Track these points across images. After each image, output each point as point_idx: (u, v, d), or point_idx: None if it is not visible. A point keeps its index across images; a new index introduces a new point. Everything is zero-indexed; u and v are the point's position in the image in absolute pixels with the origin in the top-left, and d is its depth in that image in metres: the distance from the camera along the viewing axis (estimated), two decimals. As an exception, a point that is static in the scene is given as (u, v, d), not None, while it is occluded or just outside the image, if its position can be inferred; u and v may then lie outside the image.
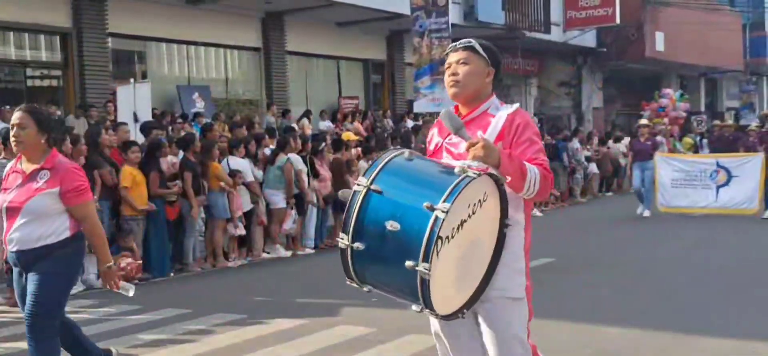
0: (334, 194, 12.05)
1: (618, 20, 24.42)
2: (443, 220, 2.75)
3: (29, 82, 14.96)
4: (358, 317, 7.03)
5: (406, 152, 3.04)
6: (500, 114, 3.22)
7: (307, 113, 16.98)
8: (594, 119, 27.68)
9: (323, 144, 12.34)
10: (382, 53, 21.28)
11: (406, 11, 17.57)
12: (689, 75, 33.87)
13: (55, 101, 13.87)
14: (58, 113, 13.11)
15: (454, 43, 3.29)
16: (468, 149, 2.97)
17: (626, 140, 21.54)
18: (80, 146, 9.21)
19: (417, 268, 2.78)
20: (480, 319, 3.24)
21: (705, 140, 20.80)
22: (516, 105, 3.26)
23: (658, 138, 19.32)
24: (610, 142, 21.78)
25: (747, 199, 13.67)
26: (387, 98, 21.42)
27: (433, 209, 2.76)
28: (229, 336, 6.49)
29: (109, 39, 14.80)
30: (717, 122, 21.39)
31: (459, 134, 3.06)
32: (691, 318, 6.66)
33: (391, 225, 2.82)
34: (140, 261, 9.31)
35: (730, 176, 13.88)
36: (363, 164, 12.71)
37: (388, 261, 2.90)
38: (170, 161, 10.34)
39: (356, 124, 17.90)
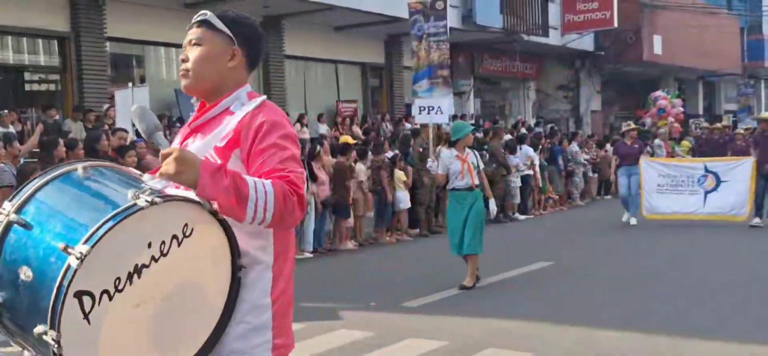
0: (332, 198, 12.06)
1: (616, 24, 24.47)
2: (77, 269, 1.91)
3: (27, 87, 14.96)
4: (358, 321, 7.04)
5: (80, 167, 2.16)
6: (239, 112, 2.35)
7: (301, 117, 16.96)
8: (592, 122, 27.73)
9: (320, 148, 12.33)
10: (380, 57, 21.30)
11: (404, 15, 17.57)
12: (687, 78, 33.94)
13: (53, 105, 13.85)
14: (57, 117, 13.12)
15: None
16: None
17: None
18: (77, 151, 9.20)
19: (44, 337, 1.95)
20: None
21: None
22: (262, 98, 2.40)
23: (657, 141, 19.36)
24: (608, 145, 21.80)
25: (736, 205, 13.08)
26: (385, 102, 21.44)
27: (67, 253, 1.95)
28: (228, 341, 6.48)
29: (108, 43, 14.81)
30: (705, 124, 20.90)
31: (152, 140, 2.25)
32: (689, 321, 6.67)
33: (25, 273, 2.01)
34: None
35: (718, 181, 13.26)
36: (361, 167, 12.71)
37: (24, 323, 2.04)
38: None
39: (355, 127, 17.91)
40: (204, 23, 2.42)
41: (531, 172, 16.19)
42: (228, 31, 2.41)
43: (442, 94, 17.00)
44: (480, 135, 17.82)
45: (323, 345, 6.22)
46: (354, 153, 12.84)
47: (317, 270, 10.50)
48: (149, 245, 2.04)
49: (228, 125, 2.33)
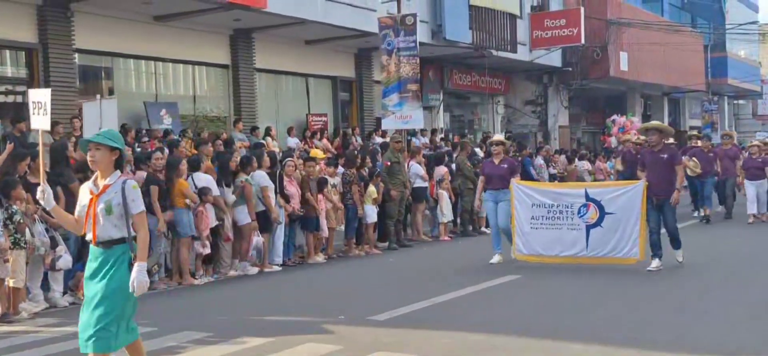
0: (302, 212, 12.08)
1: (583, 40, 24.81)
2: None
3: (-7, 98, 14.77)
4: (325, 334, 7.06)
5: None
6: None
7: (268, 130, 16.96)
8: (560, 136, 28.03)
9: (290, 161, 12.36)
10: (350, 71, 21.38)
11: (375, 29, 17.68)
12: (653, 94, 34.48)
13: (20, 116, 13.69)
14: (24, 129, 12.97)
15: None
16: None
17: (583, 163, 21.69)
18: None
19: None
20: None
21: None
22: None
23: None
24: (576, 159, 22.11)
25: (623, 243, 10.20)
26: (355, 115, 21.50)
27: None
28: (196, 354, 6.47)
29: (76, 55, 14.69)
30: (626, 137, 19.14)
31: None
32: (658, 331, 6.78)
33: None
34: (106, 279, 9.21)
35: (602, 213, 10.31)
36: (330, 180, 12.76)
37: None
38: (139, 176, 10.29)
39: (325, 141, 17.94)
40: None
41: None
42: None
43: (412, 108, 17.15)
44: (448, 149, 18.00)
45: (291, 358, 6.23)
46: (322, 164, 12.90)
47: (286, 284, 10.52)
48: None
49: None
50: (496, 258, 11.05)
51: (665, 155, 10.19)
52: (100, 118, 11.84)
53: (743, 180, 16.69)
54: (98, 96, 12.76)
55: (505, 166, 11.35)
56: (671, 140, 11.86)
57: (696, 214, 17.13)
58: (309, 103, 20.50)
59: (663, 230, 10.15)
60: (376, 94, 20.48)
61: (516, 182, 11.09)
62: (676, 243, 10.29)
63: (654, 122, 11.29)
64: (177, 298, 9.59)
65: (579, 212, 10.41)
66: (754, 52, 43.45)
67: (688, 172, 16.20)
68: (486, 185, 11.43)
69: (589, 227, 10.35)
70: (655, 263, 10.04)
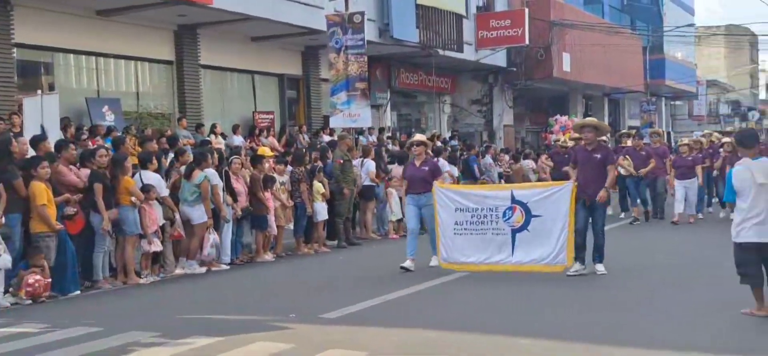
0: (249, 210, 11.97)
1: (527, 41, 25.15)
2: None
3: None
4: (276, 333, 7.01)
5: None
6: None
7: (213, 128, 16.76)
8: (505, 136, 28.38)
9: (236, 158, 12.24)
10: (297, 68, 21.26)
11: (322, 27, 17.63)
12: (594, 95, 35.17)
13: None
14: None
15: None
16: None
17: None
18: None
19: None
20: None
21: None
22: None
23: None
24: (522, 158, 22.41)
25: (550, 249, 9.53)
26: (303, 113, 21.40)
27: None
28: (144, 355, 6.36)
29: (15, 49, 14.29)
30: (556, 136, 18.82)
31: None
32: (602, 328, 6.91)
33: None
34: (49, 280, 9.02)
35: (528, 216, 9.65)
36: (278, 177, 12.67)
37: None
38: (83, 174, 10.08)
39: (271, 139, 17.81)
40: None
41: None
42: None
43: (359, 106, 17.17)
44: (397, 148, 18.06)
45: (243, 357, 6.17)
46: (271, 163, 12.80)
47: (234, 282, 10.41)
48: None
49: None
50: (407, 263, 10.21)
51: (599, 155, 9.71)
52: (41, 113, 11.53)
53: (673, 180, 16.09)
54: (39, 91, 12.42)
55: (427, 168, 10.59)
56: (604, 138, 11.62)
57: (623, 215, 16.83)
58: (255, 100, 20.32)
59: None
60: (324, 92, 20.42)
61: (438, 186, 10.34)
62: (599, 254, 9.68)
63: (589, 119, 10.54)
64: (122, 298, 9.41)
65: (504, 216, 9.73)
66: (690, 54, 44.68)
67: (622, 171, 16.09)
68: (407, 189, 10.72)
69: (514, 232, 9.69)
70: (577, 266, 9.51)
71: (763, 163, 7.22)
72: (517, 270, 9.67)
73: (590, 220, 9.70)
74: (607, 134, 11.31)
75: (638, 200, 16.43)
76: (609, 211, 14.71)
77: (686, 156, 16.19)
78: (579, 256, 9.58)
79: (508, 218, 9.72)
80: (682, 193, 15.82)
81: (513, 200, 9.78)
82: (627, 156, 16.38)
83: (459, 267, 10.02)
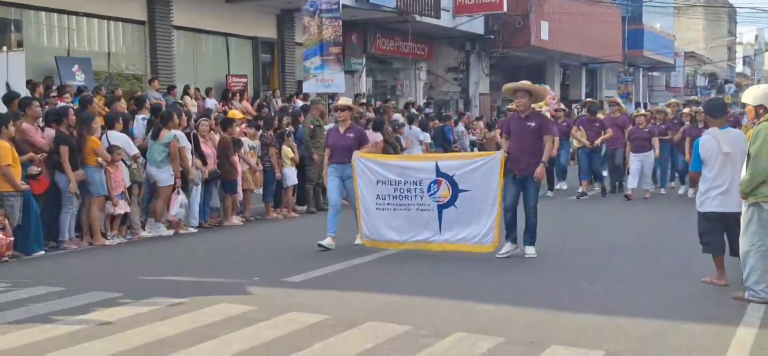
0: (218, 173, 11.90)
1: (505, 8, 25.09)
2: None
3: None
4: (240, 295, 7.01)
5: None
6: None
7: (186, 89, 16.60)
8: (480, 104, 28.38)
9: (204, 121, 12.14)
10: (272, 32, 21.07)
11: (297, -10, 17.48)
12: (571, 64, 35.23)
13: None
14: None
15: None
16: None
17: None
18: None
19: None
20: None
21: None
22: None
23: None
24: (496, 127, 22.40)
25: (480, 227, 8.74)
26: (276, 78, 21.25)
27: None
28: (104, 314, 6.32)
29: (-19, 5, 14.05)
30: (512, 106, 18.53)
31: None
32: (562, 295, 6.97)
33: None
34: (12, 238, 8.92)
35: (455, 191, 8.83)
36: (248, 141, 12.59)
37: None
38: (48, 134, 9.95)
39: (244, 102, 17.68)
40: None
41: (421, 150, 16.45)
42: None
43: (333, 71, 17.06)
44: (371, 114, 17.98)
45: (203, 318, 6.15)
46: (240, 127, 12.70)
47: (201, 245, 10.37)
48: None
49: None
50: (327, 241, 9.27)
51: (533, 123, 8.73)
52: (6, 72, 11.34)
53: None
54: (5, 48, 12.19)
55: (352, 135, 9.54)
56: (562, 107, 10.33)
57: (580, 189, 15.27)
58: (229, 64, 20.14)
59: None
60: (299, 56, 20.28)
61: (358, 155, 9.28)
62: (530, 235, 8.77)
63: (523, 82, 9.06)
64: (87, 258, 9.35)
65: (429, 190, 8.88)
66: (669, 26, 44.84)
67: (575, 143, 15.71)
68: (330, 158, 9.64)
69: (441, 208, 8.84)
70: (508, 246, 8.75)
71: (730, 133, 7.29)
72: (444, 249, 8.90)
73: (522, 196, 8.80)
74: (542, 99, 10.44)
75: (590, 175, 15.46)
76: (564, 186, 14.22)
77: (643, 128, 15.26)
78: (510, 236, 8.77)
79: (434, 193, 8.88)
80: (637, 166, 14.94)
81: (438, 172, 8.90)
82: (580, 127, 15.58)
83: (383, 245, 9.21)
